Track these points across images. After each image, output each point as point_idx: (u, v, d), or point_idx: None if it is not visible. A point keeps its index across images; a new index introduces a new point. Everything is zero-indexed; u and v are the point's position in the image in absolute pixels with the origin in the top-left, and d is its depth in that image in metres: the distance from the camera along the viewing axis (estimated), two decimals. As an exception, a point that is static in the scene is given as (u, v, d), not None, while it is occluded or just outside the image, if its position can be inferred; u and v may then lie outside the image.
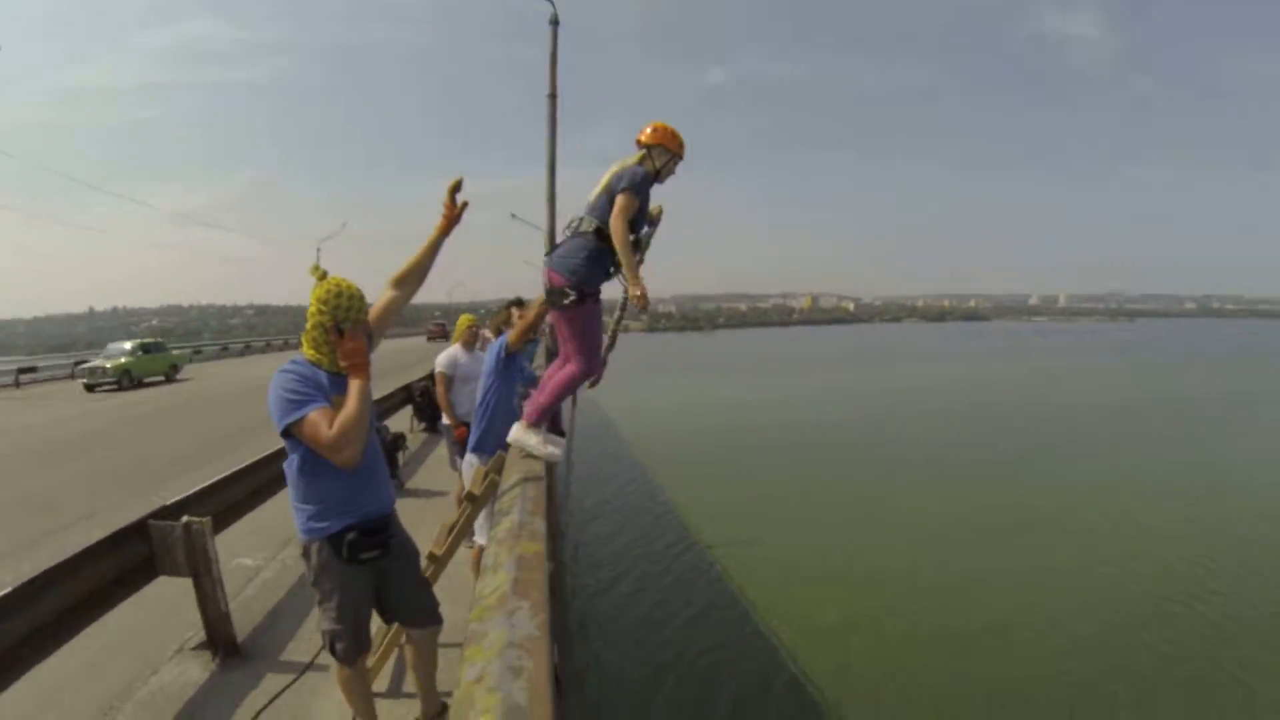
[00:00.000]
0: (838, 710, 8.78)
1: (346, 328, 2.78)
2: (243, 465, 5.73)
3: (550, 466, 3.97)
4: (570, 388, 3.83)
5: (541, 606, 1.90)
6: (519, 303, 6.20)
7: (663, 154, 3.73)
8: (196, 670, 4.12)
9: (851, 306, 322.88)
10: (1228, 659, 10.04)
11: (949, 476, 21.17)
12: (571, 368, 3.76)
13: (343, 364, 2.78)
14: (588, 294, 3.57)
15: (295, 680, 3.89)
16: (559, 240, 3.76)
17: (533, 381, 5.54)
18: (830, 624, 11.15)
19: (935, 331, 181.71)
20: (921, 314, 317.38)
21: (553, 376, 3.90)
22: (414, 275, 3.23)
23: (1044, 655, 10.25)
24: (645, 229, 3.83)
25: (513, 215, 25.14)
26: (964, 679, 9.54)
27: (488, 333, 7.61)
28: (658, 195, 3.86)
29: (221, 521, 5.09)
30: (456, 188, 3.22)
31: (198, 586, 4.22)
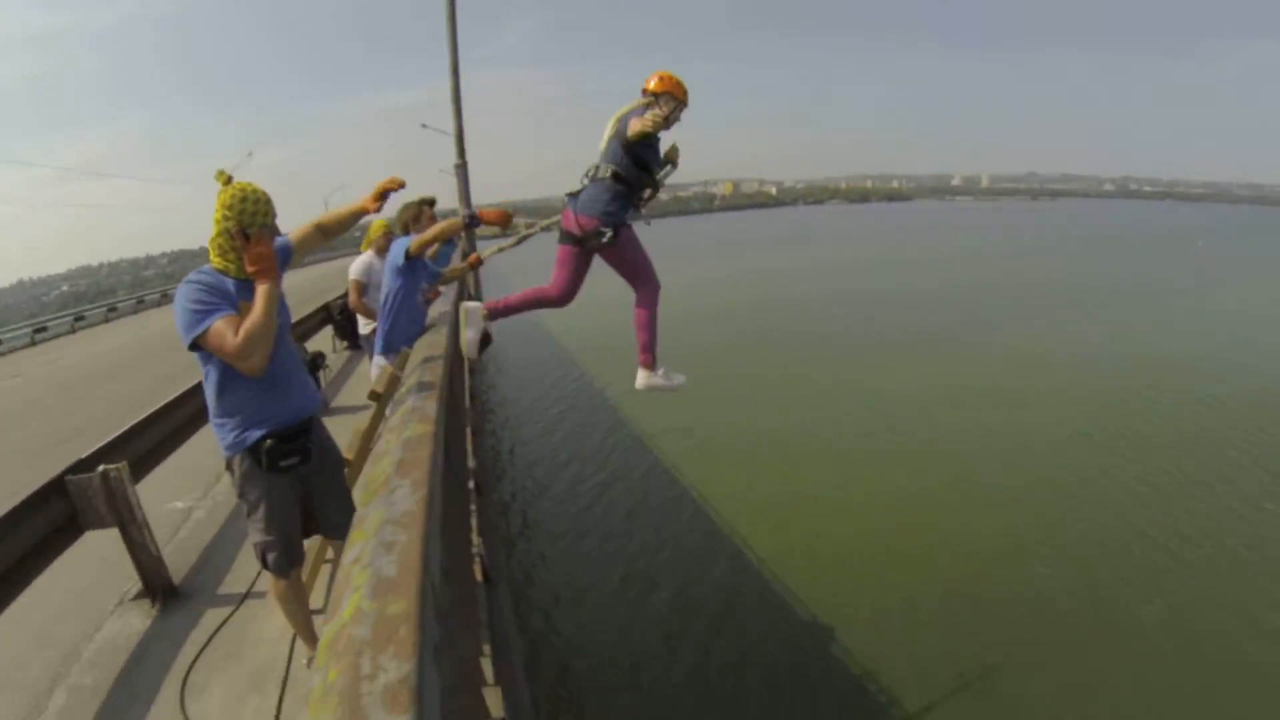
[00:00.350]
0: (778, 580, 9.12)
1: (253, 232, 2.69)
2: (156, 407, 5.49)
3: (470, 366, 3.93)
4: (657, 311, 4.17)
5: (423, 483, 1.82)
6: (430, 202, 5.94)
7: (669, 101, 3.86)
8: (138, 620, 4.02)
9: (774, 191, 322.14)
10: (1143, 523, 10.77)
11: (870, 355, 21.78)
12: (647, 294, 4.11)
13: (250, 269, 2.68)
14: (620, 227, 3.86)
15: (234, 611, 3.84)
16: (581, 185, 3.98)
17: (436, 278, 5.35)
18: (765, 500, 11.53)
19: (858, 212, 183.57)
20: (845, 195, 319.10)
21: (638, 320, 4.21)
22: (332, 231, 3.28)
23: (967, 516, 10.89)
24: (666, 168, 4.06)
25: (423, 125, 24.15)
26: (892, 544, 10.01)
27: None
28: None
29: (142, 467, 4.90)
30: (391, 188, 3.29)
31: (125, 535, 4.07)
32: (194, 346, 2.64)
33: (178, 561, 4.63)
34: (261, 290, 2.65)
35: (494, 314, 4.35)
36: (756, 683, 7.39)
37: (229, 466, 2.92)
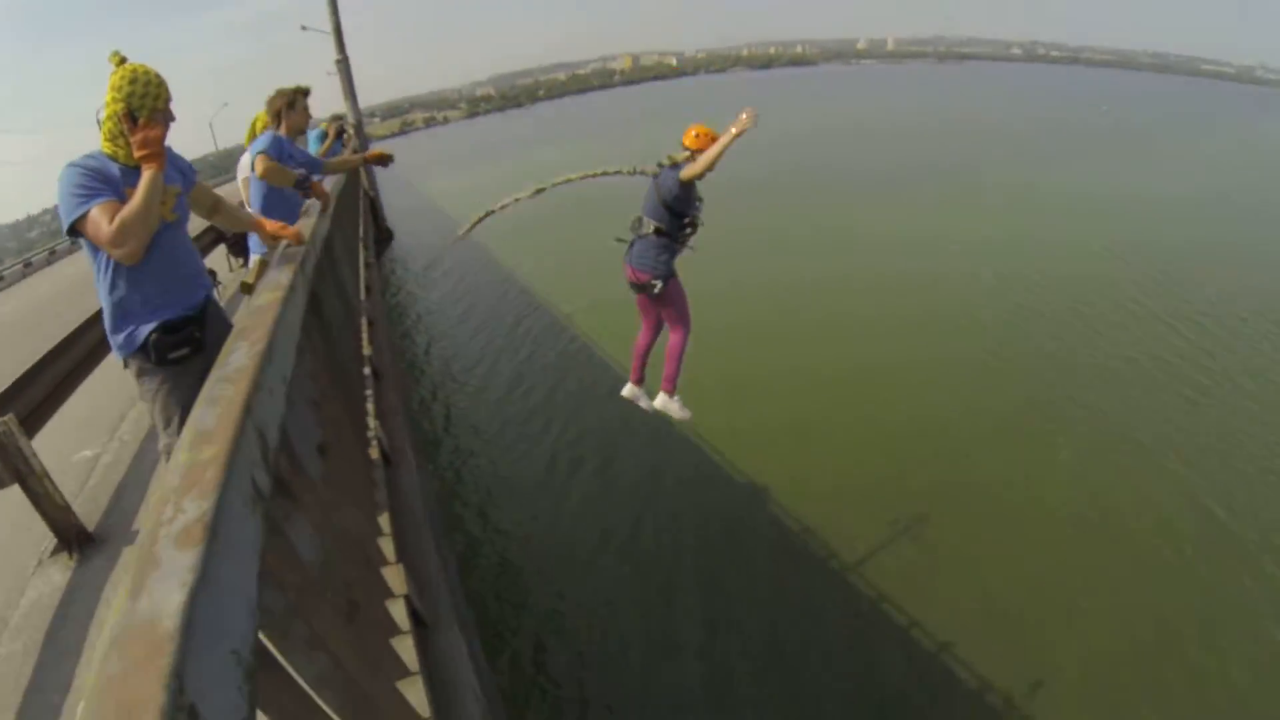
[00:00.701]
0: (705, 445, 9.32)
1: (141, 115, 2.60)
2: (40, 357, 5.15)
3: (364, 260, 3.75)
4: (686, 347, 4.98)
5: (260, 340, 1.70)
6: (305, 91, 5.49)
7: None
8: (59, 574, 3.86)
9: (674, 61, 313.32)
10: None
11: (786, 214, 21.85)
12: (681, 330, 4.90)
13: (137, 154, 2.58)
14: (669, 278, 4.59)
15: (150, 544, 3.68)
16: (636, 233, 4.70)
17: (318, 168, 5.05)
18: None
19: (761, 80, 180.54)
20: (747, 63, 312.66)
21: (670, 349, 5.07)
22: (223, 220, 3.34)
23: (883, 371, 11.35)
24: (700, 204, 4.64)
25: (303, 27, 22.92)
26: (815, 405, 10.30)
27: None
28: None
29: (38, 419, 4.65)
30: (286, 235, 3.37)
31: (26, 489, 3.83)
32: (73, 232, 2.57)
33: (91, 509, 4.48)
34: (145, 176, 2.55)
35: (640, 379, 5.42)
36: (691, 549, 7.58)
37: (126, 366, 2.88)
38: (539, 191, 5.90)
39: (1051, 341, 12.11)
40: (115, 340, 2.80)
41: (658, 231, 4.50)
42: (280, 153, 4.53)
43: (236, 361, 1.59)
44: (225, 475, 1.07)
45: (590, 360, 12.29)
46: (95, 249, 2.62)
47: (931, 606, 6.58)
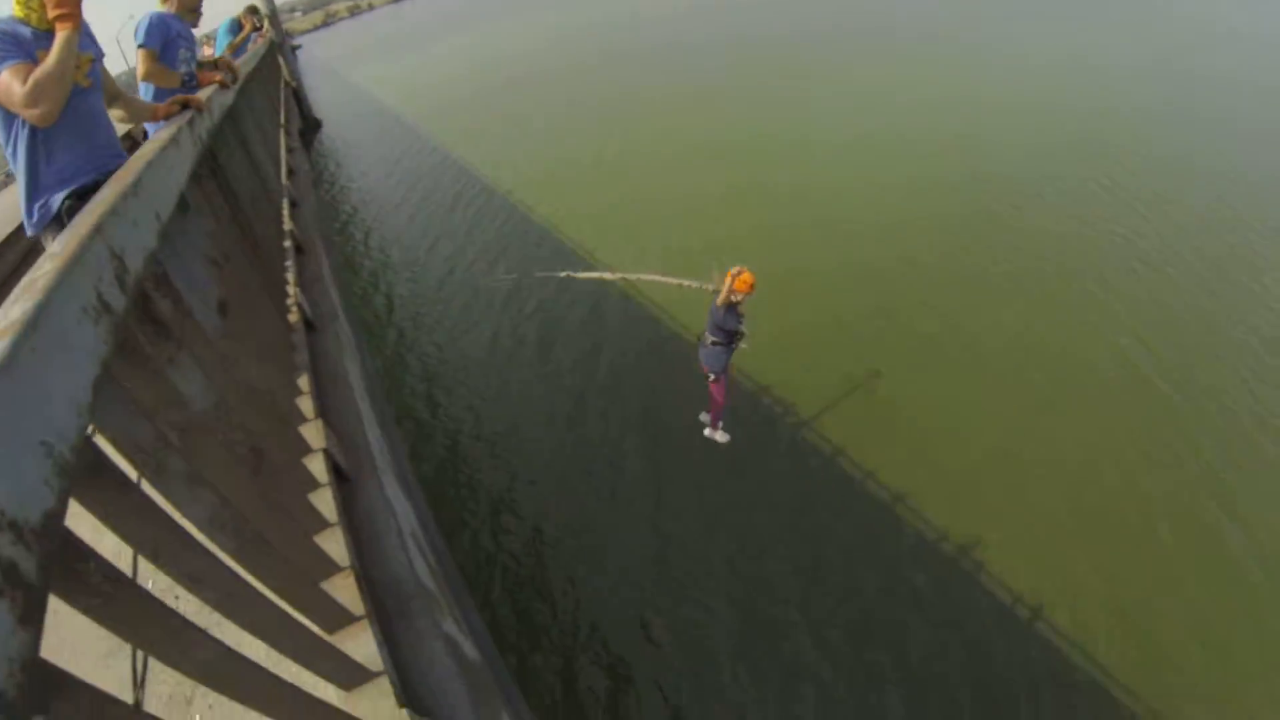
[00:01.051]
0: (645, 300, 9.24)
1: None
2: None
3: (288, 145, 3.58)
4: (722, 408, 6.65)
5: (125, 179, 1.66)
6: None
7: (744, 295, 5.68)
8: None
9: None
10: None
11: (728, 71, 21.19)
12: (720, 402, 6.50)
13: (52, 14, 2.53)
14: (721, 373, 6.15)
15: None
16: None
17: (190, 45, 4.64)
18: (620, 218, 12.02)
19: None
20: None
21: (716, 406, 6.71)
22: (122, 110, 3.30)
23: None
24: (745, 322, 5.88)
25: None
26: (734, 229, 10.27)
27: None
28: None
29: None
30: (193, 104, 3.26)
31: None
32: None
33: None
34: (60, 37, 2.52)
35: (717, 420, 6.88)
36: (636, 418, 7.62)
37: (41, 244, 2.88)
38: (622, 278, 8.55)
39: (1003, 206, 11.59)
40: (30, 218, 2.78)
41: (714, 343, 5.95)
42: (166, 34, 4.14)
43: (101, 195, 1.53)
44: (57, 280, 1.03)
45: (527, 236, 12.05)
46: (7, 119, 2.60)
47: (882, 461, 6.70)
